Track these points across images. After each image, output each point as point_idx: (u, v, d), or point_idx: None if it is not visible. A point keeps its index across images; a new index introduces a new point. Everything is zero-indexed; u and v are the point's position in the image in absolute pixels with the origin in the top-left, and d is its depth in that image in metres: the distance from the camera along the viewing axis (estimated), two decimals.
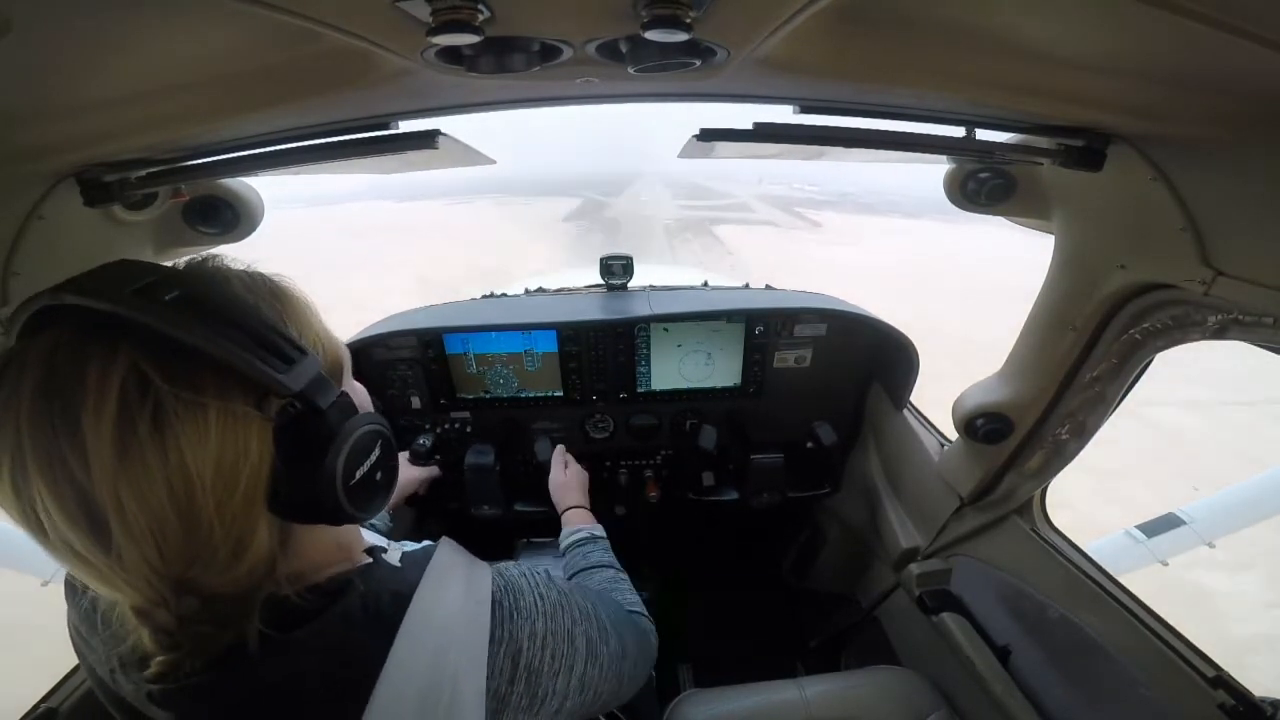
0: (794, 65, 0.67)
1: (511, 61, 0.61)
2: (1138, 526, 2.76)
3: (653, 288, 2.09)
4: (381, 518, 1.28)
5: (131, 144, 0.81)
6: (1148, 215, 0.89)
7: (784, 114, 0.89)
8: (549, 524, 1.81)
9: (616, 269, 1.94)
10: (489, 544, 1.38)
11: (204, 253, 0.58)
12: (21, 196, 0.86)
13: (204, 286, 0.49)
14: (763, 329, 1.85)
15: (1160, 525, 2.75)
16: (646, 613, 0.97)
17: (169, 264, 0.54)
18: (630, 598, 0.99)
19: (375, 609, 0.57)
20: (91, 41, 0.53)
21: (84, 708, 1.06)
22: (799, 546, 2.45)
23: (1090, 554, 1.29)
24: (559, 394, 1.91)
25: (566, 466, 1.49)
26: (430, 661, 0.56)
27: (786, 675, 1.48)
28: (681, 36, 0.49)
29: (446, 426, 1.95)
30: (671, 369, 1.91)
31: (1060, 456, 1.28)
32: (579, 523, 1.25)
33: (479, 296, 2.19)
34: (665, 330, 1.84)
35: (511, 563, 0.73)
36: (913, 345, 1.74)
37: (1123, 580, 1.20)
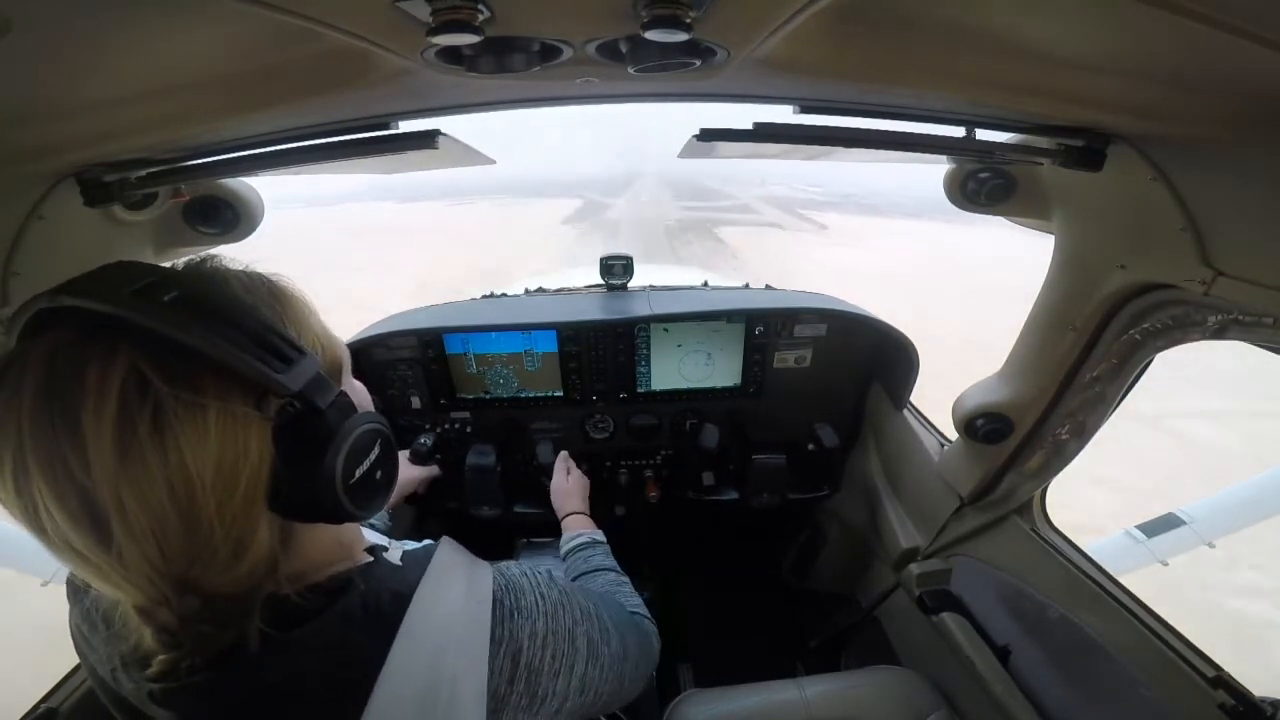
0: (794, 65, 0.67)
1: (511, 61, 0.61)
2: (1138, 526, 2.76)
3: (653, 288, 2.09)
4: (380, 517, 1.28)
5: (131, 144, 0.81)
6: (1148, 215, 0.89)
7: (784, 114, 0.89)
8: (548, 525, 1.81)
9: (616, 269, 1.94)
10: (489, 544, 1.38)
11: (202, 253, 0.58)
12: (21, 196, 0.86)
13: (203, 287, 0.49)
14: (763, 329, 1.85)
15: (1160, 525, 2.75)
16: (648, 614, 0.97)
17: (168, 264, 0.54)
18: (632, 600, 0.99)
19: (375, 608, 0.57)
20: (91, 41, 0.53)
21: (84, 708, 1.06)
22: (799, 546, 2.45)
23: (1090, 554, 1.29)
24: (559, 394, 1.91)
25: (569, 472, 1.50)
26: (430, 661, 0.56)
27: (786, 675, 1.48)
28: (681, 36, 0.49)
29: (446, 426, 1.95)
30: (671, 369, 1.91)
31: (1060, 456, 1.28)
32: (579, 528, 1.25)
33: (479, 296, 2.19)
34: (665, 330, 1.84)
35: (513, 562, 0.73)
36: (913, 345, 1.74)
37: (1123, 580, 1.20)
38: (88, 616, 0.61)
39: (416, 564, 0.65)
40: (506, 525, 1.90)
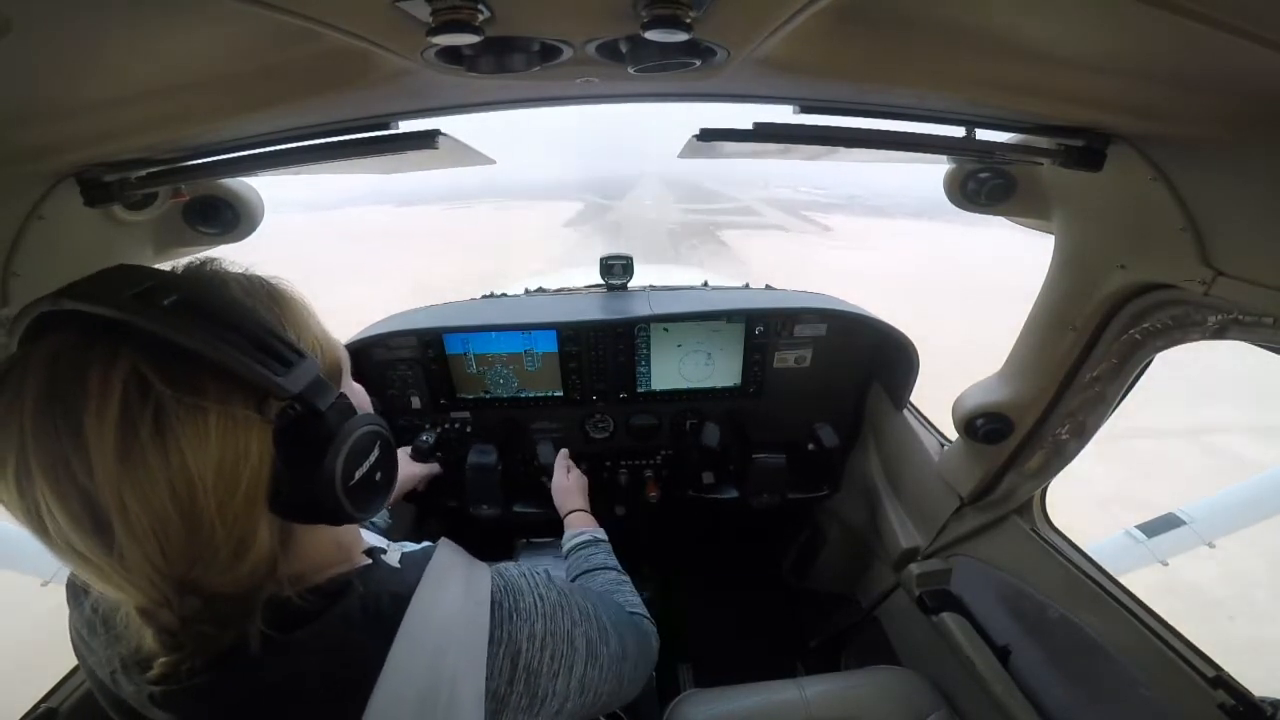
0: (794, 65, 0.67)
1: (511, 61, 0.61)
2: (1138, 526, 2.76)
3: (653, 288, 2.09)
4: (382, 515, 1.28)
5: (131, 144, 0.81)
6: (1148, 215, 0.89)
7: (784, 114, 0.89)
8: (548, 525, 1.81)
9: (616, 269, 1.94)
10: (489, 544, 1.38)
11: (201, 256, 0.58)
12: (21, 196, 0.86)
13: (202, 290, 0.49)
14: (763, 329, 1.85)
15: (1160, 525, 2.75)
16: (648, 614, 0.97)
17: (169, 265, 0.54)
18: (632, 599, 0.99)
19: (375, 610, 0.57)
20: (91, 41, 0.53)
21: (84, 708, 1.06)
22: (799, 546, 2.45)
23: (1090, 554, 1.29)
24: (559, 394, 1.92)
25: (569, 471, 1.50)
26: (429, 662, 0.56)
27: (786, 675, 1.48)
28: (681, 36, 0.49)
29: (446, 426, 1.95)
30: (671, 369, 1.91)
31: (1060, 456, 1.28)
32: (581, 526, 1.25)
33: (479, 297, 2.19)
34: (665, 330, 1.84)
35: (511, 563, 0.74)
36: (913, 345, 1.74)
37: (1123, 580, 1.20)
38: (87, 619, 0.61)
39: (415, 566, 0.66)
40: (506, 525, 1.90)
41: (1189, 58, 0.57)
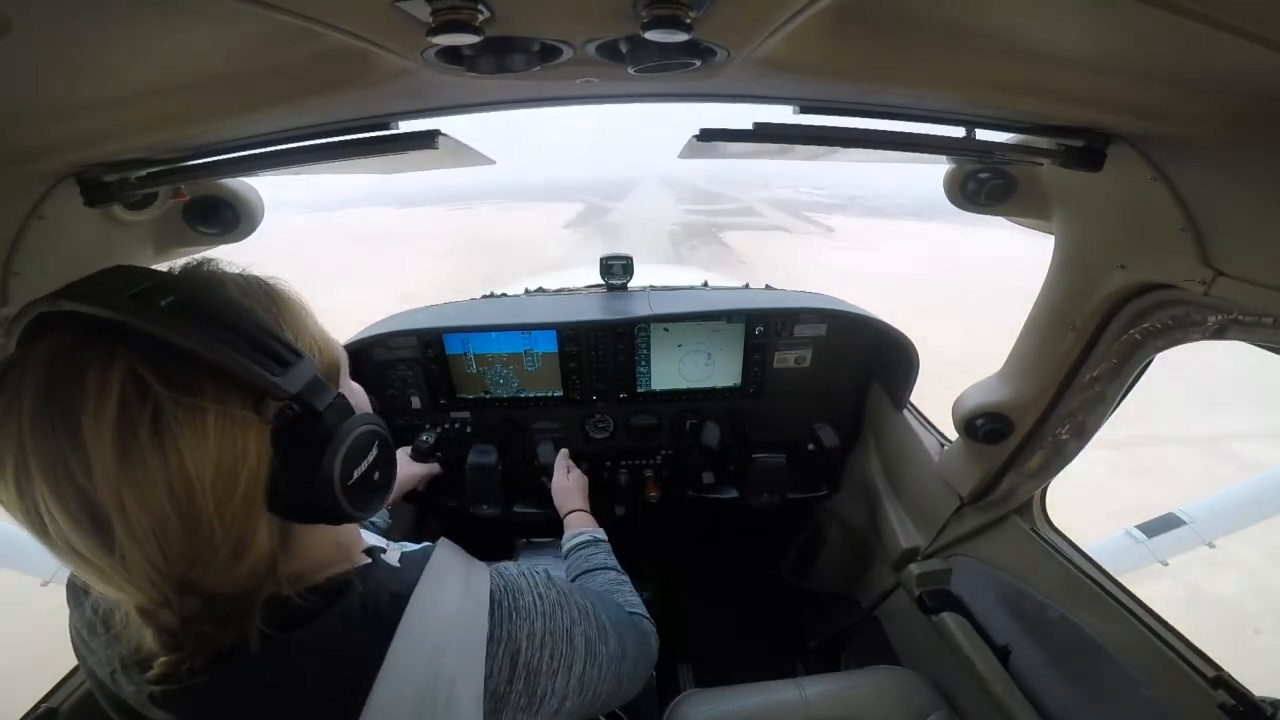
0: (794, 65, 0.67)
1: (511, 61, 0.61)
2: (1138, 526, 2.76)
3: (653, 288, 2.09)
4: (382, 515, 1.28)
5: (131, 144, 0.81)
6: (1148, 215, 0.89)
7: (784, 114, 0.89)
8: (548, 525, 1.81)
9: (616, 269, 1.94)
10: (489, 544, 1.38)
11: (199, 256, 0.58)
12: (21, 196, 0.86)
13: (200, 291, 0.49)
14: (763, 329, 1.85)
15: (1160, 525, 2.75)
16: (647, 614, 0.97)
17: (168, 265, 0.54)
18: (631, 599, 0.99)
19: (374, 609, 0.57)
20: (91, 41, 0.53)
21: (84, 708, 1.06)
22: (799, 546, 2.45)
23: (1090, 554, 1.29)
24: (559, 394, 1.92)
25: (569, 471, 1.50)
26: (428, 661, 0.56)
27: (786, 675, 1.48)
28: (681, 37, 0.49)
29: (446, 426, 1.95)
30: (671, 369, 1.91)
31: (1060, 456, 1.28)
32: (581, 526, 1.25)
33: (479, 297, 2.19)
34: (665, 330, 1.84)
35: (510, 562, 0.74)
36: (912, 345, 1.74)
37: (1123, 580, 1.20)
38: (87, 620, 0.61)
39: (415, 565, 0.66)
40: (506, 525, 1.90)
41: (1189, 58, 0.57)
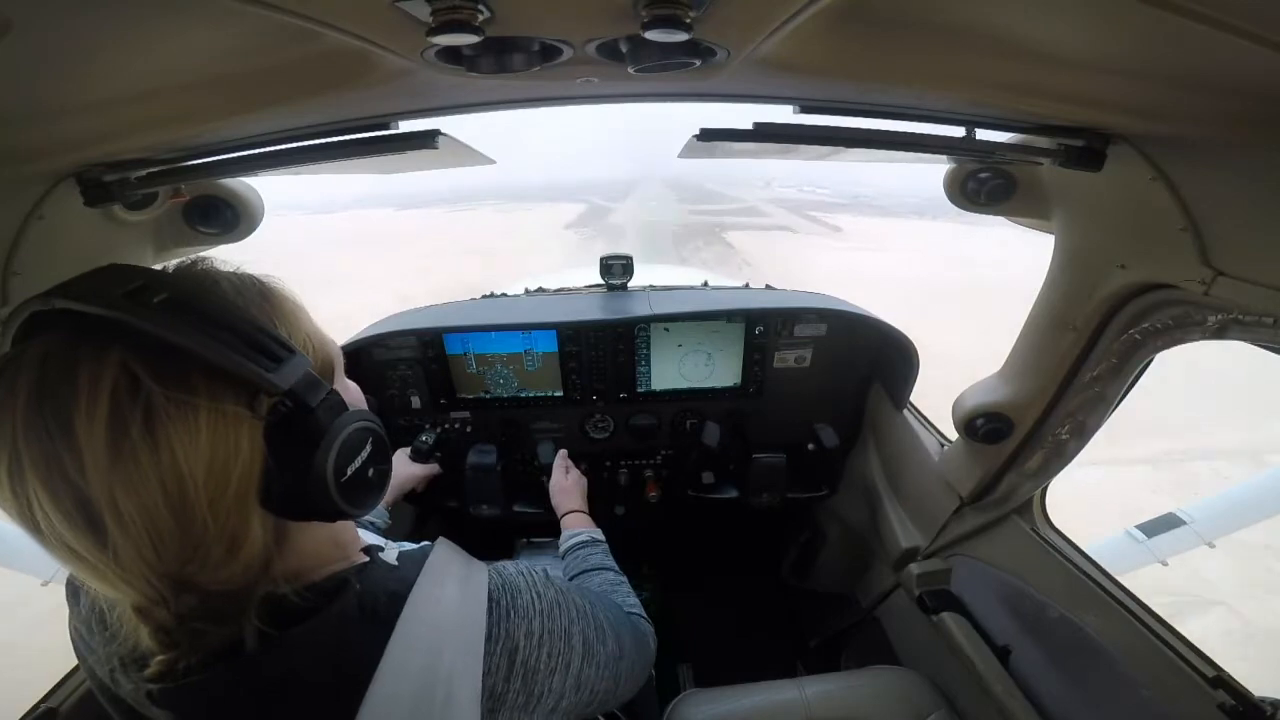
0: (794, 65, 0.67)
1: (511, 61, 0.61)
2: (1138, 526, 2.76)
3: (653, 288, 2.09)
4: (381, 515, 1.28)
5: (131, 144, 0.81)
6: (1148, 215, 0.89)
7: (784, 114, 0.89)
8: (548, 525, 1.81)
9: (616, 269, 1.94)
10: (489, 544, 1.38)
11: (193, 255, 0.58)
12: (21, 196, 0.86)
13: (193, 288, 0.49)
14: (763, 329, 1.85)
15: (1160, 525, 2.75)
16: (645, 615, 0.98)
17: (163, 265, 0.54)
18: (629, 600, 0.99)
19: (372, 607, 0.57)
20: (91, 41, 0.52)
21: (84, 708, 1.06)
22: (799, 546, 2.45)
23: (1090, 554, 1.29)
24: (559, 394, 1.92)
25: (568, 472, 1.50)
26: (426, 659, 0.56)
27: (786, 675, 1.48)
28: (681, 36, 0.49)
29: (446, 426, 1.95)
30: (671, 369, 1.91)
31: (1060, 456, 1.28)
32: (579, 526, 1.25)
33: (479, 297, 2.19)
34: (665, 330, 1.84)
35: (509, 561, 0.74)
36: (913, 345, 1.74)
37: (1123, 580, 1.20)
38: (85, 618, 0.61)
39: (413, 564, 0.66)
40: (506, 525, 1.90)
41: (1189, 58, 0.57)
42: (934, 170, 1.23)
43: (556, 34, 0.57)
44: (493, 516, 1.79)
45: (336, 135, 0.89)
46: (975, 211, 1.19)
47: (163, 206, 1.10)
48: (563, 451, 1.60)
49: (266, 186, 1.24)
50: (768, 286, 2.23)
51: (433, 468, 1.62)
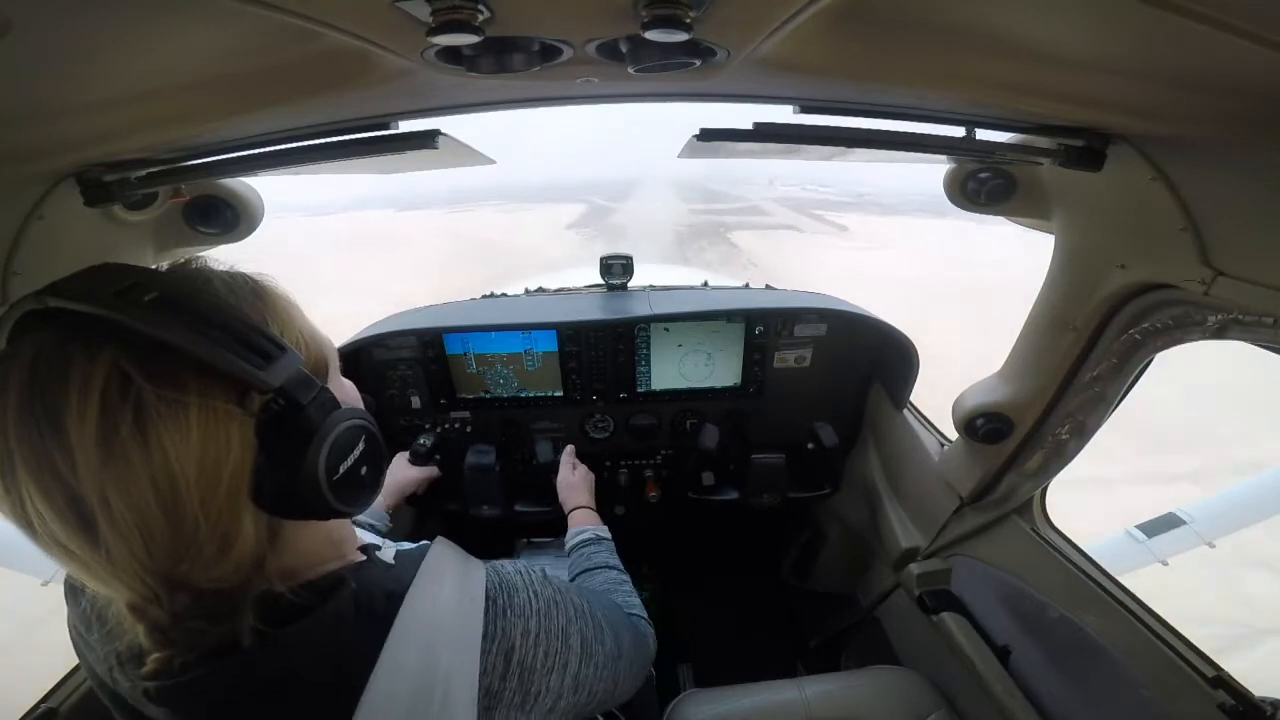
0: (794, 65, 0.67)
1: (511, 61, 0.61)
2: (1138, 526, 2.76)
3: (653, 288, 2.09)
4: (381, 518, 1.28)
5: (131, 144, 0.81)
6: (1148, 215, 0.89)
7: (784, 114, 0.89)
8: (549, 525, 1.81)
9: (616, 269, 1.94)
10: (489, 544, 1.38)
11: (185, 255, 0.58)
12: (21, 196, 0.86)
13: (185, 287, 0.50)
14: (763, 329, 1.85)
15: (1160, 525, 2.74)
16: (646, 615, 0.97)
17: (159, 265, 0.54)
18: (630, 600, 0.99)
19: (368, 606, 0.57)
20: (91, 41, 0.52)
21: (84, 708, 1.06)
22: (799, 546, 2.45)
23: (1090, 554, 1.28)
24: (559, 394, 1.92)
25: (575, 468, 1.50)
26: (423, 658, 0.56)
27: (786, 675, 1.48)
28: (681, 36, 0.49)
29: (446, 426, 1.95)
30: (671, 369, 1.91)
31: (1060, 456, 1.28)
32: (585, 523, 1.25)
33: (479, 296, 2.19)
34: (665, 330, 1.84)
35: (507, 560, 0.74)
36: (913, 345, 1.74)
37: (1123, 580, 1.20)
38: (84, 616, 0.61)
39: (410, 563, 0.66)
40: (507, 525, 1.90)
41: (1189, 58, 0.57)
42: (937, 169, 1.23)
43: (556, 34, 0.57)
44: (494, 517, 1.79)
45: (336, 135, 0.89)
46: (975, 211, 1.19)
47: (163, 206, 1.10)
48: (570, 447, 1.60)
49: (265, 187, 1.24)
50: (768, 286, 2.23)
51: (432, 470, 1.61)
